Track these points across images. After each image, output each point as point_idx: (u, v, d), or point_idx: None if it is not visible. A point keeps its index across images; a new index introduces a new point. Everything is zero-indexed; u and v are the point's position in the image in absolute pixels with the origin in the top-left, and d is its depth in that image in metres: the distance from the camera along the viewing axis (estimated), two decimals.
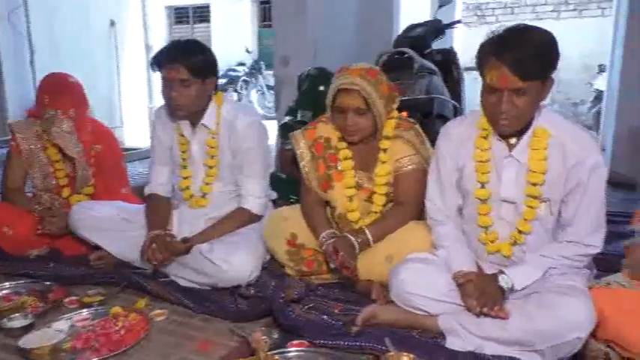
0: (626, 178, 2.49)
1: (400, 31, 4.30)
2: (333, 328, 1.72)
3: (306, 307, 1.85)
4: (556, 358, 1.52)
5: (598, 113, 5.91)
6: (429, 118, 3.24)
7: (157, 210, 2.23)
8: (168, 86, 2.05)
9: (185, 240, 2.06)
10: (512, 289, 1.60)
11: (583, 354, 1.53)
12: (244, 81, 9.55)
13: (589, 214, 1.62)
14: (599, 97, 6.29)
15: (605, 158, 4.06)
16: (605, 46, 4.68)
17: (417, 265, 1.73)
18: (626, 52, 3.89)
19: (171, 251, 2.03)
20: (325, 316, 1.79)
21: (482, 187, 1.71)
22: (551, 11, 8.67)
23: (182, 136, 2.21)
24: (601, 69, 6.50)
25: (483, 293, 1.59)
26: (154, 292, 2.03)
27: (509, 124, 1.58)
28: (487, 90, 1.58)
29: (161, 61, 2.06)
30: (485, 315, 1.57)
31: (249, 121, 2.16)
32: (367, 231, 1.93)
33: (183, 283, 2.07)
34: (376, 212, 2.02)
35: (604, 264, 1.80)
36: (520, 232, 1.67)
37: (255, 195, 2.20)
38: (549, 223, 1.67)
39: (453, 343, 1.62)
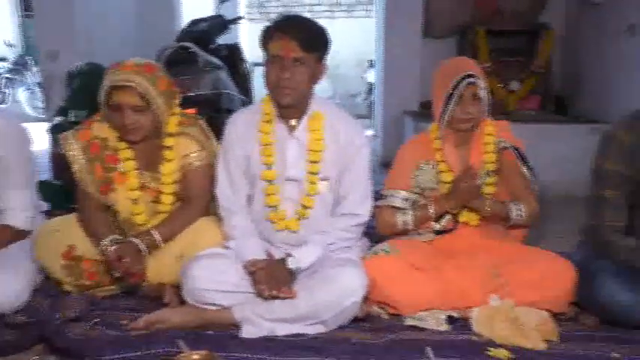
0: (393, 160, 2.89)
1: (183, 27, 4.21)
2: (121, 340, 1.61)
3: (90, 323, 1.70)
4: (338, 324, 1.70)
5: (371, 103, 6.66)
6: (219, 114, 3.25)
7: None
8: None
9: None
10: (299, 269, 1.72)
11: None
12: (8, 79, 8.29)
13: (358, 188, 1.85)
14: (371, 89, 7.10)
15: (377, 142, 4.66)
16: (372, 43, 5.28)
17: (207, 261, 1.74)
18: (385, 50, 4.46)
19: None
20: (112, 330, 1.68)
21: (269, 168, 1.82)
22: (326, 11, 9.46)
23: None
24: (370, 64, 7.30)
25: (273, 277, 1.69)
26: None
27: (290, 93, 1.73)
28: (271, 62, 1.72)
29: None
30: (275, 298, 1.67)
31: (2, 124, 1.88)
32: (154, 232, 1.86)
33: None
34: (164, 212, 1.95)
35: (374, 236, 2.05)
36: (305, 207, 1.82)
37: (19, 208, 1.92)
38: (329, 200, 1.85)
39: (247, 331, 1.67)
